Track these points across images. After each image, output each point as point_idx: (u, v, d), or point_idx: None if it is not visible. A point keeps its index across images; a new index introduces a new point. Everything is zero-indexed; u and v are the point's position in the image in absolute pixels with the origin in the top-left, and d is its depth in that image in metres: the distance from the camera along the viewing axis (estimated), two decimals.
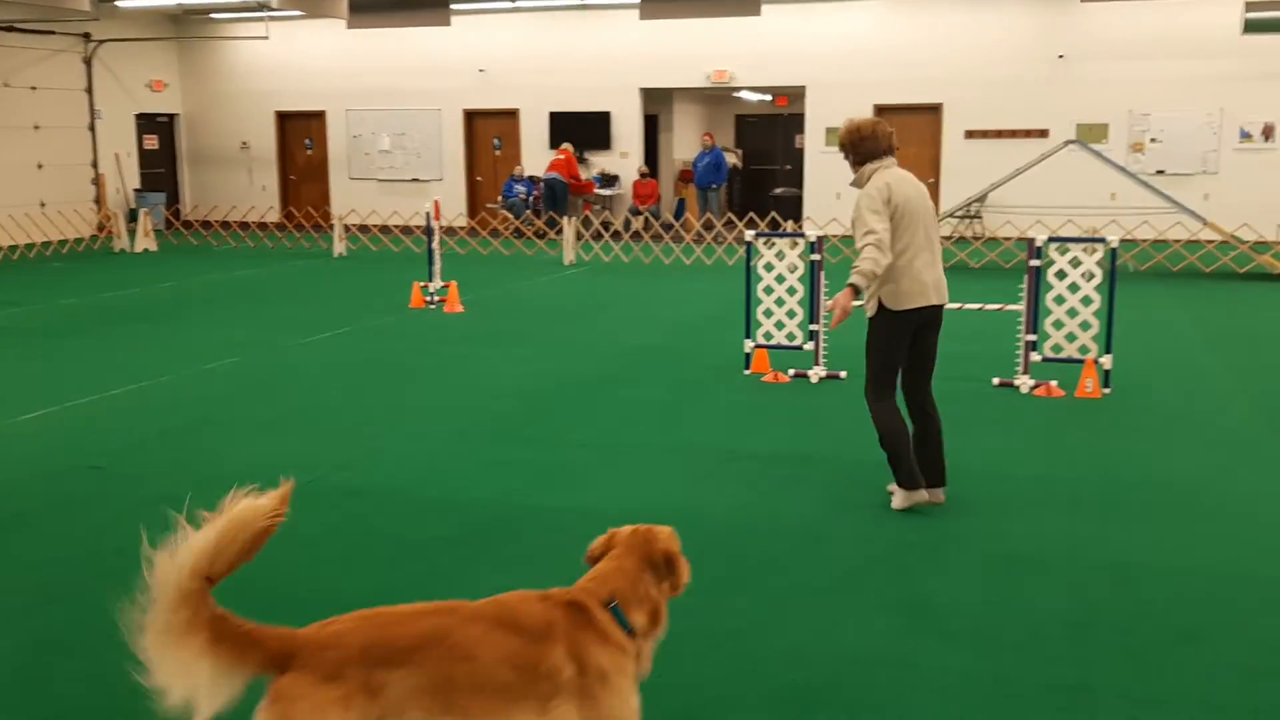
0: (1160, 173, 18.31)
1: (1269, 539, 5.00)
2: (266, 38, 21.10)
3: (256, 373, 8.88)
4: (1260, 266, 14.16)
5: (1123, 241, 15.84)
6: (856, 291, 5.09)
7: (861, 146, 5.29)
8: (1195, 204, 16.58)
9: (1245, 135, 18.22)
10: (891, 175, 5.24)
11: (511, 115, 21.80)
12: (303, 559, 4.80)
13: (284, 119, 23.21)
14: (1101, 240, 7.86)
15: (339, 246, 17.63)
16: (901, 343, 5.29)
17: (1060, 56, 18.78)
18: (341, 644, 2.39)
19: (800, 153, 21.07)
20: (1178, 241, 15.82)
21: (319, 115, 22.78)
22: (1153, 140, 18.62)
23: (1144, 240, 15.95)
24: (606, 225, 18.70)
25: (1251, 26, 16.21)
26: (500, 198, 21.00)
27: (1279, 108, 17.97)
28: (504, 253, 17.49)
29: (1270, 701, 3.53)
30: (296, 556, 4.82)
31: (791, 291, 8.56)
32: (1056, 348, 7.98)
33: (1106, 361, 7.79)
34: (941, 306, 5.32)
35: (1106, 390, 7.75)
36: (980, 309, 8.76)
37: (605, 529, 2.90)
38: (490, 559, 4.82)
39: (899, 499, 5.36)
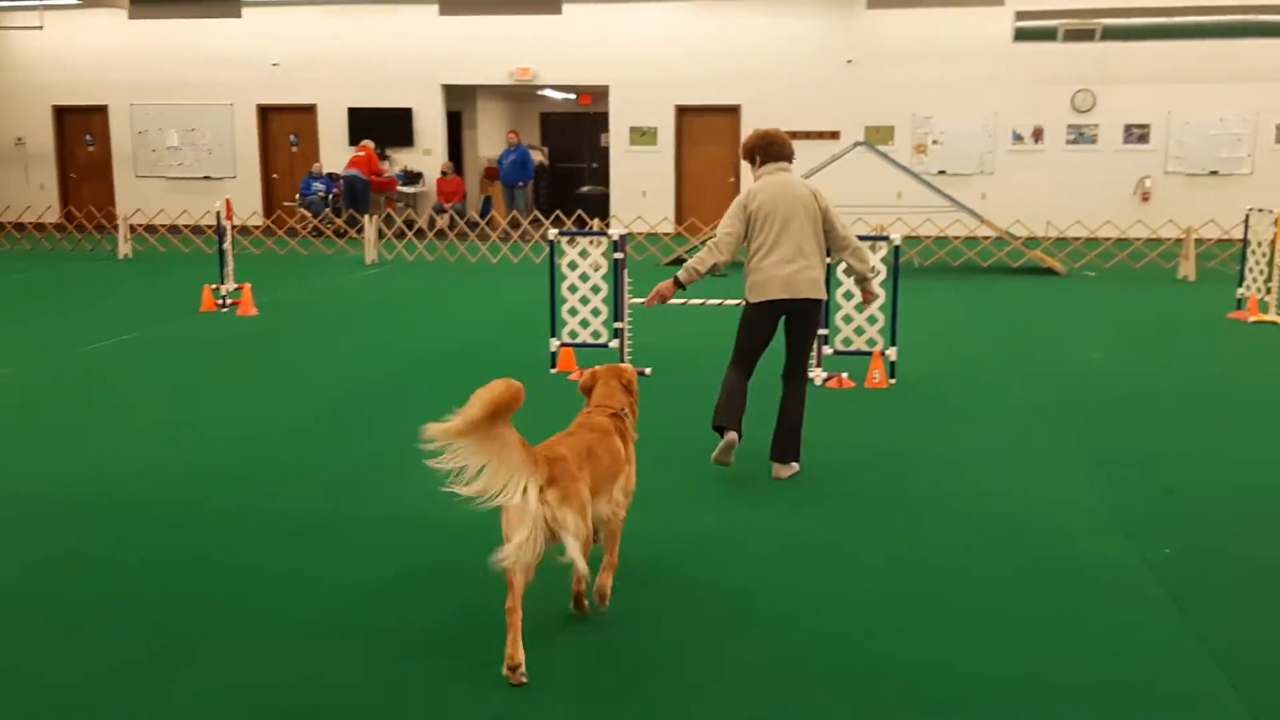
0: (942, 173, 19.36)
1: (1042, 521, 5.36)
2: (40, 27, 19.82)
3: (33, 382, 8.36)
4: (1031, 261, 15.15)
5: (907, 239, 16.74)
6: (678, 283, 5.87)
7: (760, 154, 5.88)
8: (973, 203, 17.59)
9: (1017, 137, 19.46)
10: (765, 182, 5.80)
11: (308, 111, 21.19)
12: (87, 576, 4.56)
13: (62, 114, 21.88)
14: (885, 238, 8.25)
15: (124, 248, 16.75)
16: (757, 330, 5.83)
17: (849, 61, 19.59)
18: (566, 459, 3.93)
19: (606, 151, 21.27)
20: (958, 238, 16.76)
21: (101, 110, 21.57)
22: (935, 142, 19.67)
23: (927, 237, 16.82)
24: (410, 224, 18.40)
25: (1021, 35, 17.32)
26: (298, 196, 20.37)
27: (1047, 111, 19.27)
28: (302, 253, 16.99)
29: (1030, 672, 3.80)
30: (79, 574, 4.57)
31: (596, 290, 8.65)
32: (847, 341, 8.34)
33: (892, 353, 8.20)
34: (801, 301, 5.71)
35: (893, 380, 8.16)
36: None
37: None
38: (287, 574, 4.68)
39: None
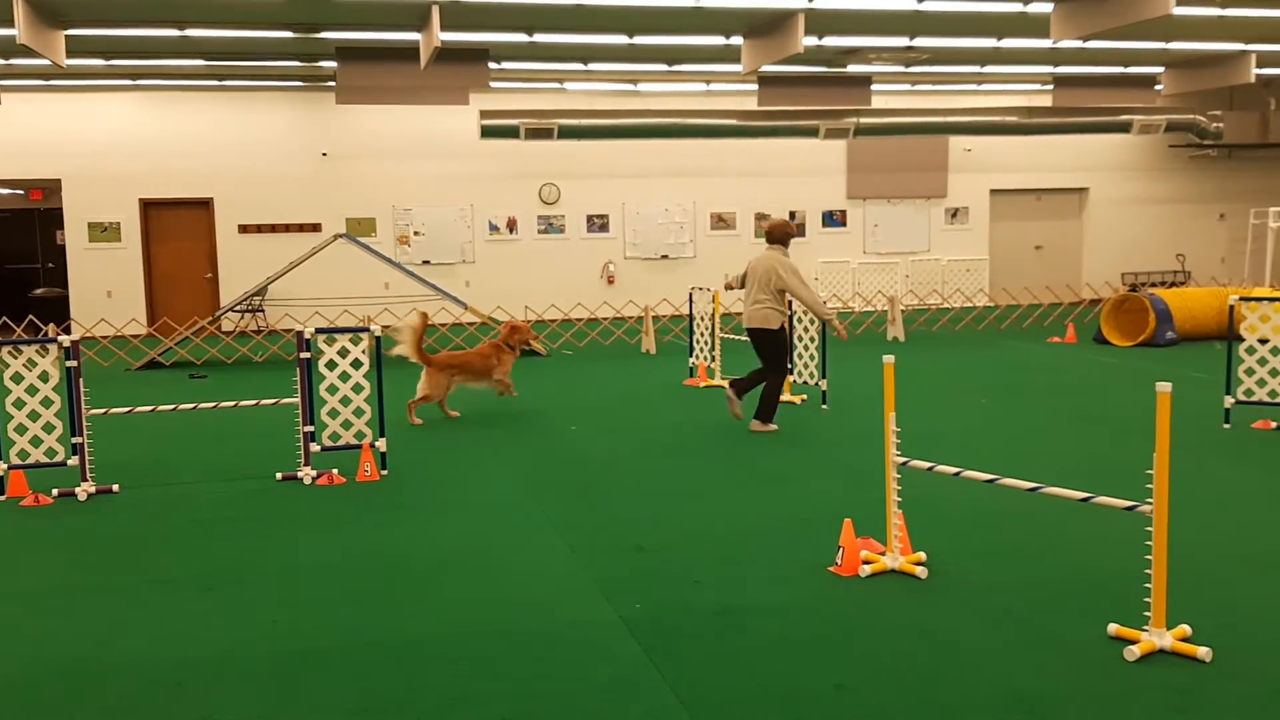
0: (426, 263, 19.86)
1: (527, 593, 5.58)
2: None
3: None
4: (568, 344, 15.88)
5: (394, 328, 16.91)
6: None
7: (767, 238, 9.66)
8: (459, 290, 18.23)
9: (494, 228, 20.47)
10: (759, 255, 9.62)
11: None
12: None
13: None
14: (366, 330, 8.27)
15: None
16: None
17: (324, 154, 19.57)
18: (441, 359, 10.16)
19: (63, 250, 19.42)
20: (444, 325, 17.21)
21: None
22: (417, 233, 20.13)
23: None
24: None
25: (487, 132, 18.30)
26: None
27: (518, 203, 20.48)
28: None
29: None
30: None
31: (47, 403, 7.80)
32: (334, 435, 8.21)
33: (382, 444, 8.19)
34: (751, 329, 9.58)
35: (384, 472, 8.14)
36: (257, 404, 8.72)
37: None
38: None
39: (757, 426, 9.56)
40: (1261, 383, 9.29)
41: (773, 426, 9.50)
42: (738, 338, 13.46)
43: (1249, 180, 23.25)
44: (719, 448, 9.02)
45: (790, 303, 9.91)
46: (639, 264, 21.05)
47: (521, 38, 14.35)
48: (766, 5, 12.53)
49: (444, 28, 12.90)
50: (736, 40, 14.74)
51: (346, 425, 8.22)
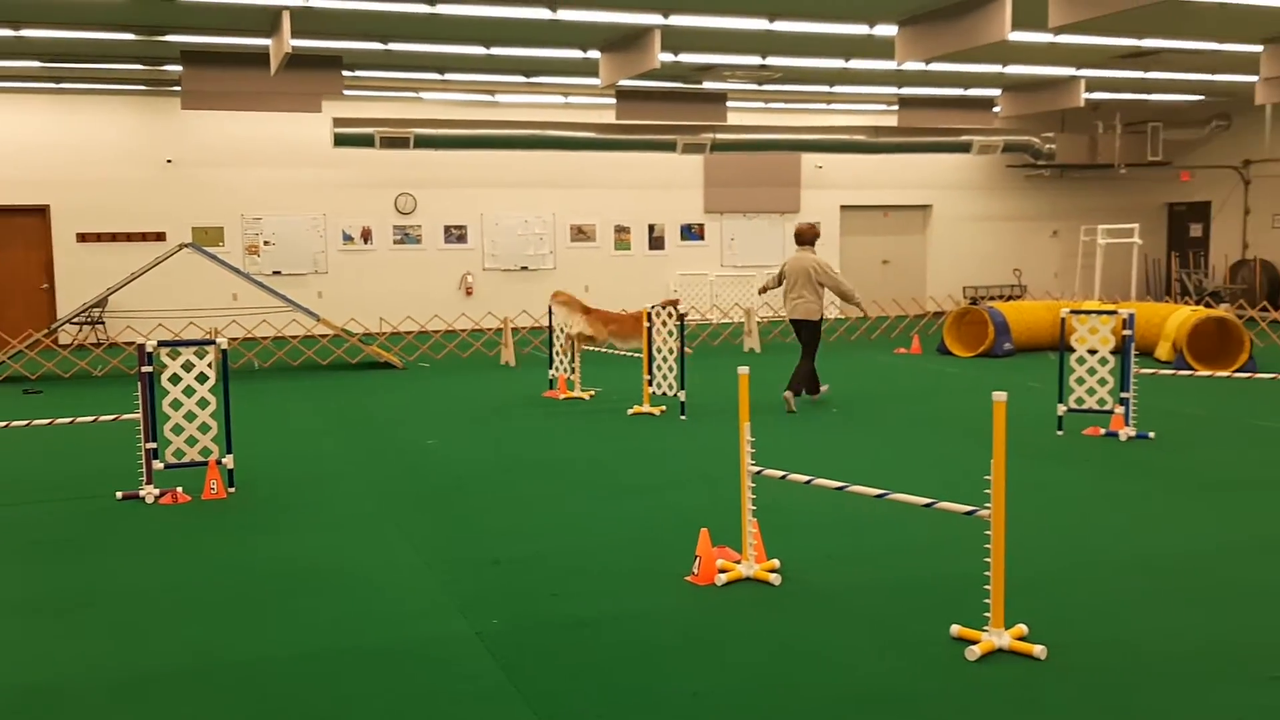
0: (277, 273, 19.34)
1: (381, 611, 5.48)
2: None
3: None
4: (370, 356, 15.62)
5: (245, 340, 16.42)
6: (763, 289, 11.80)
7: (796, 241, 11.42)
8: (311, 301, 17.81)
9: (348, 238, 20.07)
10: (794, 255, 11.36)
11: None
12: None
13: None
14: (212, 342, 8.01)
15: None
16: (795, 332, 11.54)
17: (169, 161, 18.89)
18: (603, 313, 12.34)
19: None
20: (296, 337, 16.79)
21: None
22: (267, 243, 19.59)
23: (265, 338, 16.62)
24: None
25: (341, 140, 17.96)
26: None
27: (374, 213, 20.14)
28: None
29: None
30: None
31: None
32: (179, 453, 7.92)
33: (229, 461, 7.94)
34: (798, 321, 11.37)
35: (232, 490, 7.89)
36: (95, 420, 8.35)
37: None
38: None
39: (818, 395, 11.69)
40: (1091, 391, 9.80)
41: (825, 387, 11.89)
42: (597, 349, 13.52)
43: (1079, 199, 24.52)
44: (578, 460, 9.03)
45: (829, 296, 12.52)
46: (498, 275, 20.94)
47: (376, 46, 14.14)
48: (623, 20, 12.65)
49: (295, 34, 12.62)
50: (594, 54, 14.83)
51: (191, 441, 7.93)
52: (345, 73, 15.59)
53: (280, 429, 10.57)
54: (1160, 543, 6.49)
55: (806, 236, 11.38)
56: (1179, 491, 7.76)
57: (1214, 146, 23.54)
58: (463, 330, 17.63)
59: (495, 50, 14.71)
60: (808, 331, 11.33)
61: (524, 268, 21.06)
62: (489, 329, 17.71)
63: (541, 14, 12.18)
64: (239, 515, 7.33)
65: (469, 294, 20.61)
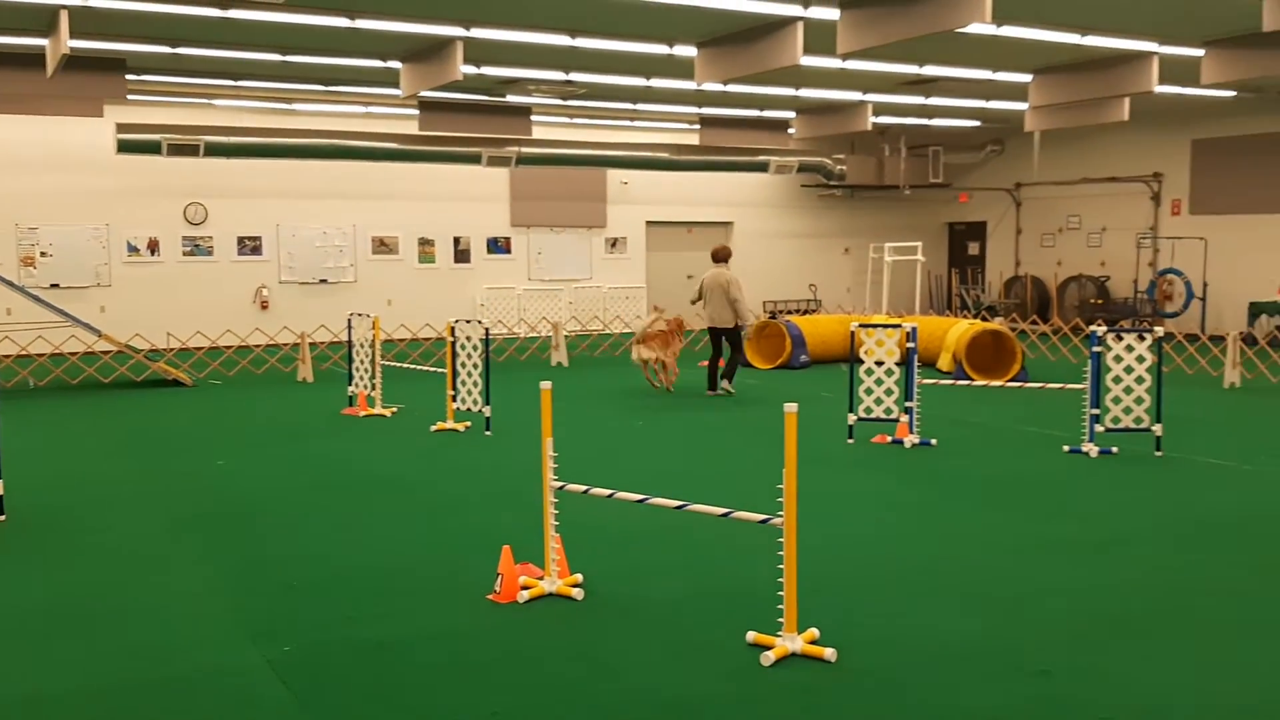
0: (55, 286, 18.20)
1: (166, 640, 5.21)
2: None
3: None
4: (156, 374, 14.86)
5: (19, 358, 15.36)
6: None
7: (717, 256, 13.29)
8: (93, 316, 16.80)
9: (133, 249, 19.06)
10: (711, 272, 13.26)
11: None
12: None
13: None
14: None
15: None
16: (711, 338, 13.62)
17: None
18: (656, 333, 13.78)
19: None
20: (75, 354, 15.81)
21: None
22: (44, 254, 18.41)
23: (41, 355, 15.60)
24: None
25: (125, 147, 17.06)
26: None
27: (161, 223, 19.20)
28: None
29: None
30: None
31: None
32: None
33: None
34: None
35: (2, 516, 7.36)
36: None
37: None
38: None
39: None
40: (879, 401, 10.27)
41: (731, 389, 13.54)
42: (398, 364, 13.32)
43: (868, 218, 25.68)
44: (379, 479, 8.84)
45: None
46: (295, 288, 20.28)
47: (164, 49, 13.49)
48: (424, 31, 12.49)
49: (74, 34, 11.90)
50: (395, 64, 14.59)
51: None
52: (130, 76, 14.79)
53: (58, 451, 9.93)
54: (939, 546, 6.85)
55: (720, 255, 13.38)
56: (958, 496, 8.22)
57: (989, 170, 25.09)
58: (257, 345, 17.00)
59: (291, 57, 14.26)
60: (727, 336, 13.37)
61: (323, 280, 20.48)
62: (285, 344, 17.14)
63: (340, 22, 11.89)
64: (9, 542, 6.84)
65: (264, 308, 19.89)
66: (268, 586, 5.98)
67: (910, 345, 10.14)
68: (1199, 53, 13.70)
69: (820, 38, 12.16)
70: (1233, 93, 17.81)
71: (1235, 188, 20.84)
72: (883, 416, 10.26)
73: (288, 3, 10.79)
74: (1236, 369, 14.40)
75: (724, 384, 13.50)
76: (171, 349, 17.17)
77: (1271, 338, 18.74)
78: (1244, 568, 6.35)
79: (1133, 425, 9.65)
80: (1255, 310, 19.78)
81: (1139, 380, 9.59)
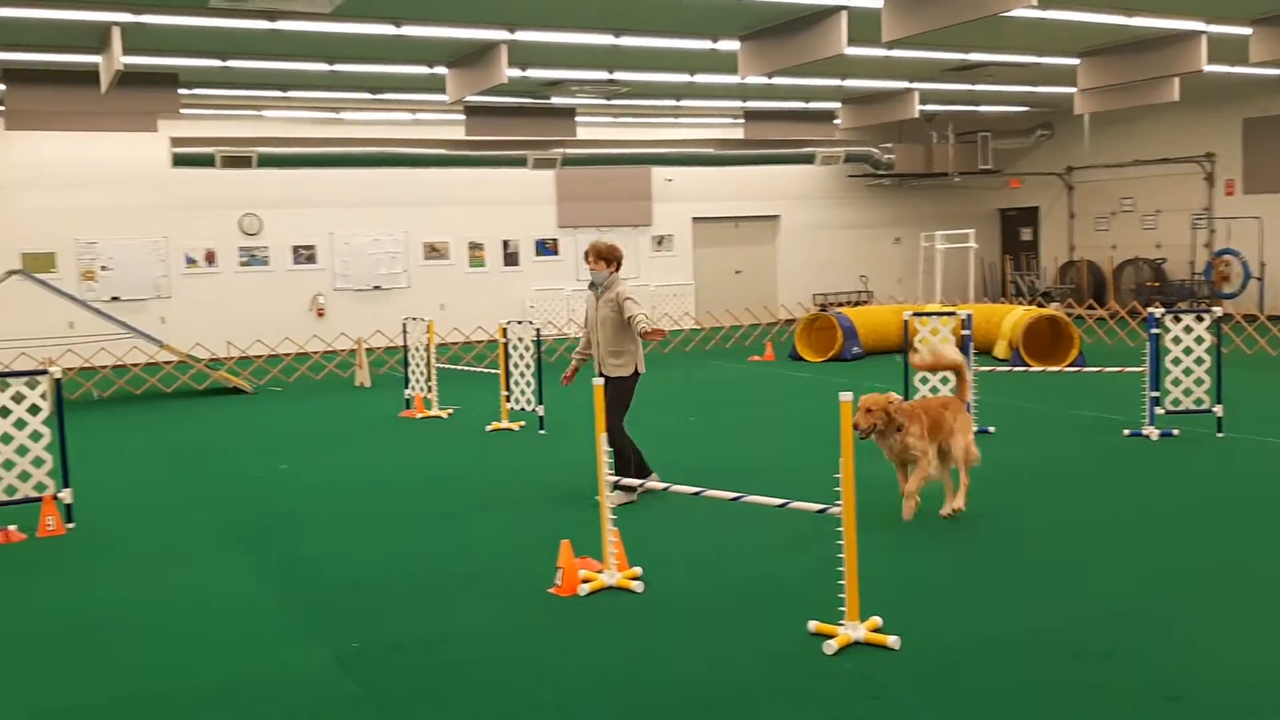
0: (116, 299, 18.57)
1: (236, 641, 5.32)
2: None
3: None
4: (217, 382, 15.13)
5: (82, 370, 15.71)
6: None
7: (617, 260, 8.29)
8: (152, 327, 17.14)
9: (191, 261, 19.40)
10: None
11: None
12: None
13: None
14: (44, 372, 7.65)
15: None
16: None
17: None
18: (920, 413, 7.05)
19: None
20: (137, 365, 16.14)
21: None
22: (104, 268, 18.79)
23: (104, 367, 15.95)
24: None
25: (180, 160, 17.37)
26: None
27: (217, 235, 19.52)
28: None
29: None
30: None
31: None
32: (10, 489, 7.52)
33: (66, 495, 7.59)
34: None
35: (71, 525, 7.55)
36: None
37: None
38: None
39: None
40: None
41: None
42: (453, 366, 13.45)
43: (918, 206, 25.46)
44: (437, 479, 8.95)
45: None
46: (350, 295, 20.53)
47: (214, 63, 13.73)
48: (469, 36, 12.60)
49: (127, 51, 12.16)
50: (441, 70, 14.73)
51: (24, 477, 7.56)
52: (182, 90, 15.09)
53: (122, 460, 10.15)
54: (999, 530, 6.79)
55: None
56: (1016, 481, 8.14)
57: (1039, 154, 24.77)
58: (315, 352, 17.24)
59: (339, 67, 14.45)
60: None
61: (377, 287, 20.71)
62: (342, 350, 17.37)
63: (386, 30, 12.03)
64: (78, 551, 7.02)
65: (320, 315, 20.16)
66: (334, 585, 6.08)
67: (966, 333, 10.06)
68: (1247, 31, 13.44)
69: (864, 26, 12.09)
70: None
71: None
72: None
73: (334, 12, 10.93)
74: None
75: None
76: (231, 357, 17.48)
77: None
78: None
79: (1193, 407, 9.51)
80: None
81: (1198, 361, 9.45)
